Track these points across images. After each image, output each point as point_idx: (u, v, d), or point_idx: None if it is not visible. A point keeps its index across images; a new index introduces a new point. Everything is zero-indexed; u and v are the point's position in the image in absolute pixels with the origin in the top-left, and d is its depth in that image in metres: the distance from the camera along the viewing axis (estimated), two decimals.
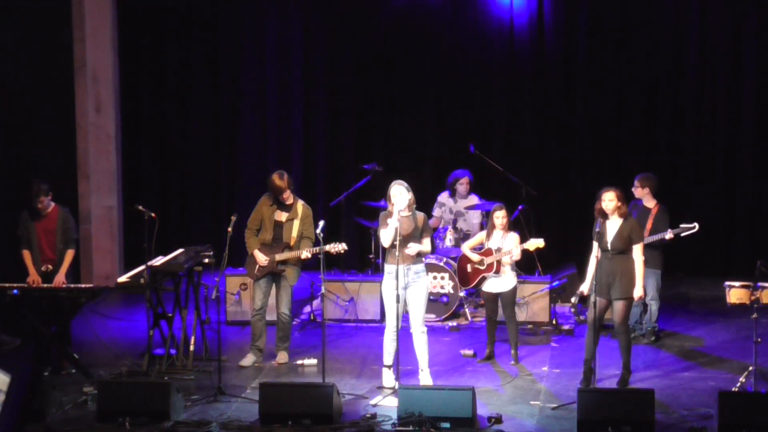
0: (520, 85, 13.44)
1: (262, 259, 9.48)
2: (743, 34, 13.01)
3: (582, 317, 10.85)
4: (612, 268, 8.64)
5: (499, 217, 9.69)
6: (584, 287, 8.88)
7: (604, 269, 8.66)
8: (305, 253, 9.38)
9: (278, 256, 9.47)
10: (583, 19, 13.26)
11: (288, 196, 9.52)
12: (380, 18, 13.58)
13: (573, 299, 10.44)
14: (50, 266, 9.67)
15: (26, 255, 9.70)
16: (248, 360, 9.67)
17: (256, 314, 9.67)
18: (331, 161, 13.84)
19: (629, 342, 8.87)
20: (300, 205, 9.59)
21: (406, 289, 8.69)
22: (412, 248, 8.69)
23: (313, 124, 13.81)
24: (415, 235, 8.76)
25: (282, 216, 9.54)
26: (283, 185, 9.43)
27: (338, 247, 9.34)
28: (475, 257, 9.70)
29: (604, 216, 8.69)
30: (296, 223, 9.51)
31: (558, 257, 13.19)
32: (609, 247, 8.65)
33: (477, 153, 12.38)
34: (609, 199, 8.66)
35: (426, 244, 8.84)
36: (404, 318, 8.90)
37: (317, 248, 9.22)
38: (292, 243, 9.50)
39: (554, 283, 11.04)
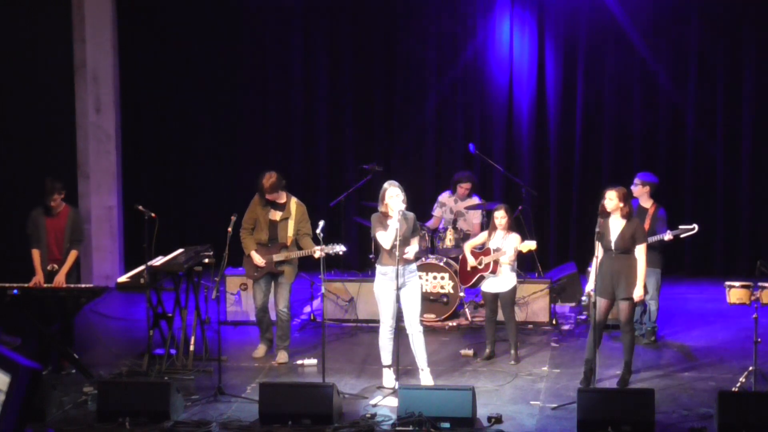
0: (520, 84, 13.43)
1: (259, 260, 9.48)
2: (743, 36, 13.01)
3: (581, 318, 10.87)
4: (616, 268, 8.63)
5: (499, 217, 9.69)
6: (589, 287, 8.88)
7: (607, 269, 8.64)
8: (318, 252, 9.20)
9: (276, 257, 9.46)
10: (584, 21, 13.26)
11: (279, 195, 9.50)
12: (382, 17, 13.58)
13: (583, 299, 10.41)
14: (56, 265, 9.65)
15: (35, 255, 9.64)
16: (260, 351, 9.79)
17: (260, 310, 9.73)
18: (331, 161, 13.84)
19: (633, 342, 8.87)
20: (293, 203, 9.56)
21: (401, 289, 8.66)
22: (411, 251, 8.68)
23: (313, 124, 13.81)
24: (408, 236, 8.75)
25: (276, 215, 9.53)
26: (273, 183, 9.41)
27: (336, 248, 9.31)
28: (472, 261, 9.70)
29: (606, 215, 8.69)
30: (291, 222, 9.49)
31: (558, 257, 13.22)
32: (612, 247, 8.64)
33: (477, 153, 12.39)
34: (609, 198, 8.65)
35: (414, 244, 8.84)
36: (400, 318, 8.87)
37: (320, 246, 9.16)
38: (288, 242, 9.49)
39: (554, 283, 11.05)
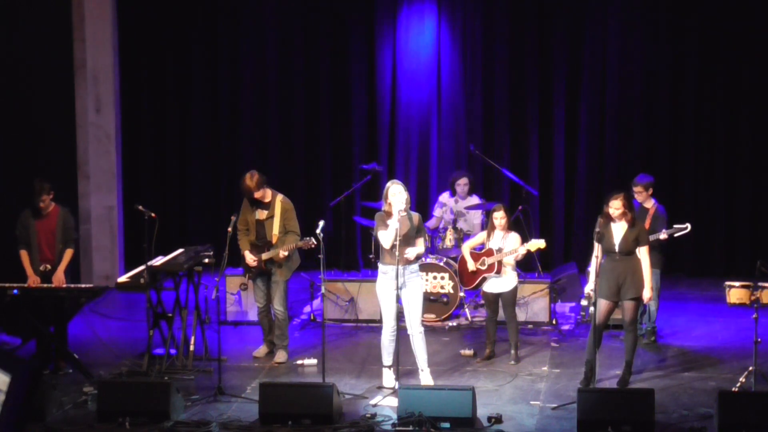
0: (521, 84, 13.42)
1: (250, 259, 9.51)
2: (743, 34, 13.00)
3: (587, 318, 10.85)
4: (621, 270, 8.64)
5: (498, 217, 9.68)
6: (588, 288, 8.88)
7: (611, 271, 8.65)
8: (282, 252, 9.36)
9: (264, 256, 9.49)
10: (587, 19, 13.26)
11: (264, 195, 9.49)
12: (383, 16, 13.57)
13: (584, 302, 10.40)
14: (48, 266, 9.68)
15: (24, 255, 9.67)
16: (261, 351, 9.85)
17: (261, 312, 9.78)
18: (331, 161, 13.84)
19: (635, 342, 8.89)
20: (278, 201, 9.54)
21: (402, 289, 8.65)
22: (411, 252, 8.66)
23: (313, 124, 13.80)
24: (411, 235, 8.74)
25: (262, 215, 9.53)
26: (252, 185, 9.38)
27: (310, 242, 9.29)
28: (471, 264, 9.69)
29: (609, 220, 8.69)
30: (276, 221, 9.50)
31: (559, 257, 13.21)
32: (616, 250, 8.65)
33: (477, 153, 12.39)
34: (615, 207, 8.66)
35: (420, 245, 8.83)
36: (400, 318, 8.87)
37: (293, 244, 9.31)
38: (274, 240, 9.51)
39: (554, 283, 11.04)
